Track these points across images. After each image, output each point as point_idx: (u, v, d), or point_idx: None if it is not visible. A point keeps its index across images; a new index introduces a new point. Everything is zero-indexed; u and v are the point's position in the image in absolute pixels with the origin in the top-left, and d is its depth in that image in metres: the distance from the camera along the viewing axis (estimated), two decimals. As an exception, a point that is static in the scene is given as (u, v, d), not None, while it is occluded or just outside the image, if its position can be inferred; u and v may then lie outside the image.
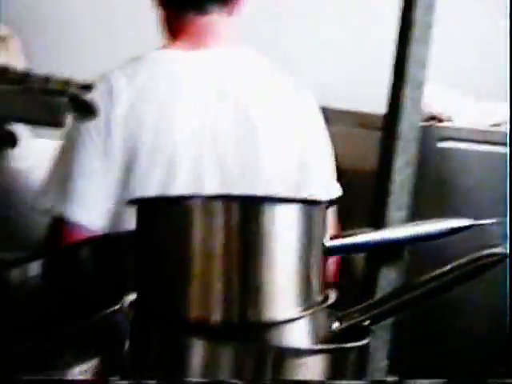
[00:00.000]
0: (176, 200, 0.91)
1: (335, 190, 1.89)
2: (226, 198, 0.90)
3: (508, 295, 1.82)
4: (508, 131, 1.94)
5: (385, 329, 1.03)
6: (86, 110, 1.03)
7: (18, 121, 1.08)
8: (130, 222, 1.41)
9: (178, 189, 1.70)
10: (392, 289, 1.01)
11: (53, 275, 1.03)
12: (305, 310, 0.90)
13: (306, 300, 0.90)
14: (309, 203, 0.93)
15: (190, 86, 1.75)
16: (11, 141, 1.35)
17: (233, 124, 1.75)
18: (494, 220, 1.07)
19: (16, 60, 1.27)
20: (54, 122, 1.00)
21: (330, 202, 1.82)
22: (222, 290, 0.88)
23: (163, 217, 0.90)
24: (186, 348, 0.87)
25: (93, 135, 1.69)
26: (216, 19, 1.78)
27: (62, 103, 0.99)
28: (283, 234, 0.89)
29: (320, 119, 1.85)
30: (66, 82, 0.99)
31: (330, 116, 1.97)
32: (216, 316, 0.87)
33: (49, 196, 1.70)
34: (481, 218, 1.07)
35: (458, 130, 2.17)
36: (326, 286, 0.93)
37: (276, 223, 0.89)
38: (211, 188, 1.72)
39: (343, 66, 2.69)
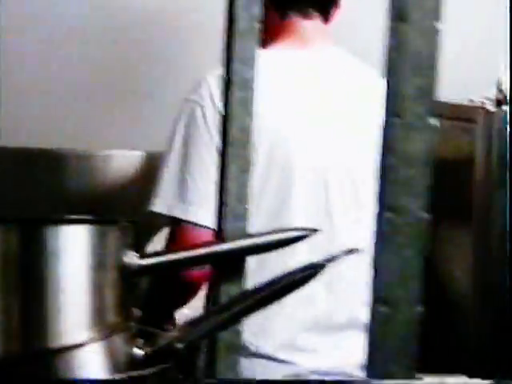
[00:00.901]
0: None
1: None
2: (4, 220, 0.84)
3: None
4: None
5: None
6: None
7: None
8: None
9: (298, 194, 1.70)
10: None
11: None
12: (96, 333, 0.83)
13: (99, 323, 0.84)
14: (98, 223, 0.86)
15: (292, 83, 1.78)
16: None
17: (334, 121, 1.77)
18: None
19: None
20: None
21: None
22: (2, 318, 0.82)
23: None
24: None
25: (211, 131, 1.68)
26: (316, 24, 1.85)
27: None
28: (67, 256, 0.83)
29: None
30: None
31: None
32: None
33: (165, 198, 1.68)
34: None
35: None
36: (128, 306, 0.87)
37: (59, 245, 0.83)
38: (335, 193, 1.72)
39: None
